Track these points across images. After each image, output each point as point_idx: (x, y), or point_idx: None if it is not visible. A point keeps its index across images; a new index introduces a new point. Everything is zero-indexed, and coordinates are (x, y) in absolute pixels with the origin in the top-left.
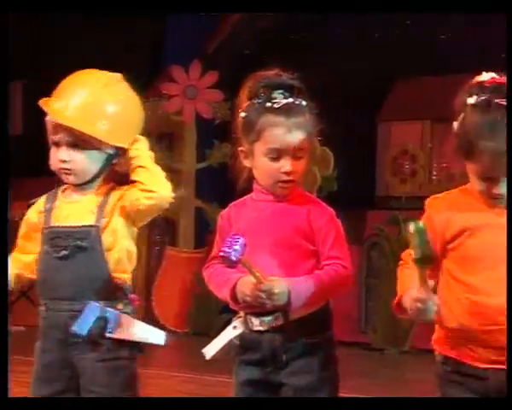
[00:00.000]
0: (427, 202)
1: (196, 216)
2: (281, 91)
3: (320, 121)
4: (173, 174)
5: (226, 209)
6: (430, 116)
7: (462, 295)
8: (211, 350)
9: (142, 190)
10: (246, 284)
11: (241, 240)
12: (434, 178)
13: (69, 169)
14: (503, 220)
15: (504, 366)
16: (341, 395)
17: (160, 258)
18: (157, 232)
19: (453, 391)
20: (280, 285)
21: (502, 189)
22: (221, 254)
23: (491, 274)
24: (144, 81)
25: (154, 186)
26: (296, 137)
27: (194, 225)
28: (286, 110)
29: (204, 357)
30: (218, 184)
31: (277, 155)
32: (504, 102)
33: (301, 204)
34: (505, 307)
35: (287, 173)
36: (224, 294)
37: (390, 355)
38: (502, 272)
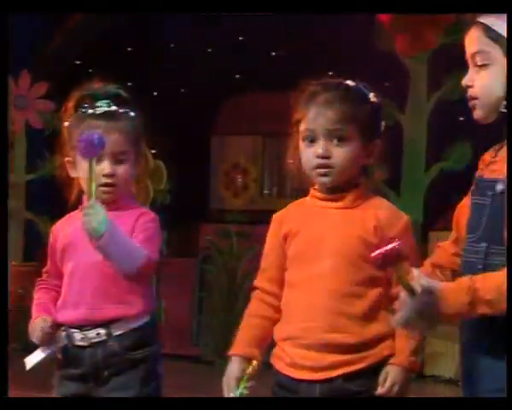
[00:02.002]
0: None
1: (27, 228)
2: (106, 101)
3: (150, 132)
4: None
5: (56, 225)
6: (261, 131)
7: (287, 296)
8: (31, 361)
9: None
10: (33, 328)
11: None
12: (266, 192)
13: None
14: (328, 220)
15: (327, 375)
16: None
17: None
18: None
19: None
20: (99, 208)
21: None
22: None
23: (307, 270)
24: None
25: None
26: (115, 140)
27: (24, 238)
28: (107, 116)
29: None
30: (50, 197)
31: (97, 158)
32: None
33: (123, 212)
34: (325, 303)
35: (106, 176)
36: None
37: (221, 368)
38: (319, 267)
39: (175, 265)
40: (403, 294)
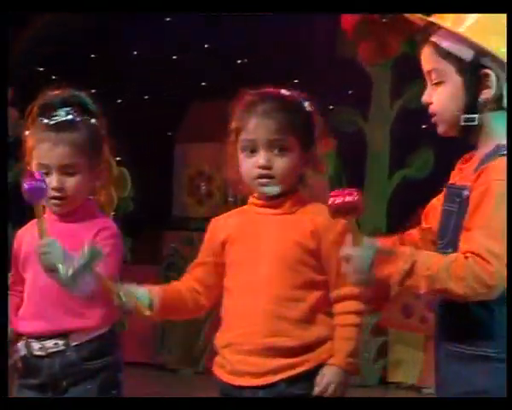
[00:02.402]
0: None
1: None
2: (66, 109)
3: (114, 139)
4: None
5: (20, 231)
6: (226, 138)
7: (225, 303)
8: None
9: None
10: None
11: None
12: (230, 199)
13: None
14: (266, 227)
15: (268, 380)
16: None
17: None
18: None
19: None
20: (54, 244)
21: None
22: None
23: (246, 276)
24: None
25: None
26: (63, 153)
27: None
28: (59, 126)
29: None
30: (13, 204)
31: (46, 170)
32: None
33: (84, 222)
34: (264, 308)
35: (54, 190)
36: None
37: (184, 376)
38: (257, 273)
39: (139, 272)
40: (349, 249)
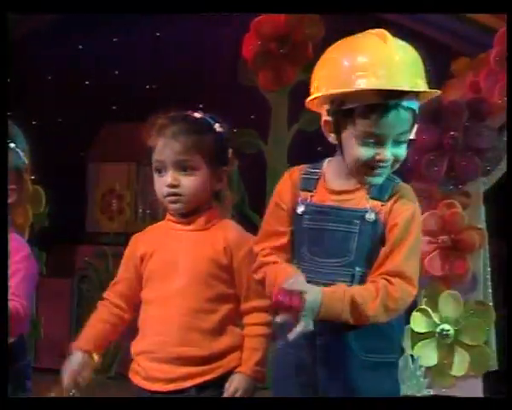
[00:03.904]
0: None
1: None
2: None
3: (30, 159)
4: None
5: None
6: (135, 158)
7: (142, 314)
8: None
9: None
10: None
11: None
12: (140, 215)
13: None
14: (181, 242)
15: (179, 386)
16: None
17: None
18: None
19: None
20: None
21: None
22: None
23: (161, 289)
24: None
25: None
26: None
27: None
28: None
29: None
30: None
31: None
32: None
33: None
34: (177, 319)
35: None
36: None
37: (98, 381)
38: (171, 286)
39: (53, 284)
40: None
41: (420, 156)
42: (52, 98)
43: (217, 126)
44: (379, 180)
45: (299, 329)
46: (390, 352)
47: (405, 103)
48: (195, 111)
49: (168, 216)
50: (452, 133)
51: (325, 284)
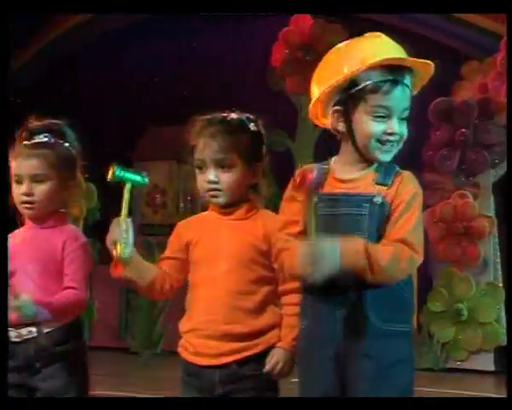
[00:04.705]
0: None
1: None
2: (44, 134)
3: (83, 159)
4: None
5: None
6: (176, 157)
7: (190, 295)
8: None
9: None
10: None
11: None
12: (181, 208)
13: None
14: (224, 231)
15: (224, 361)
16: (98, 392)
17: None
18: None
19: (184, 391)
20: (27, 304)
21: None
22: None
23: (207, 272)
24: None
25: None
26: (32, 164)
27: None
28: (34, 145)
29: None
30: None
31: (19, 180)
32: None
33: (55, 229)
34: (222, 299)
35: (24, 194)
36: None
37: (145, 357)
38: (216, 270)
39: (106, 271)
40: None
41: (434, 152)
42: (102, 104)
43: (251, 126)
44: (388, 157)
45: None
46: (404, 322)
47: (407, 80)
48: (232, 112)
49: (212, 207)
50: (463, 130)
51: None
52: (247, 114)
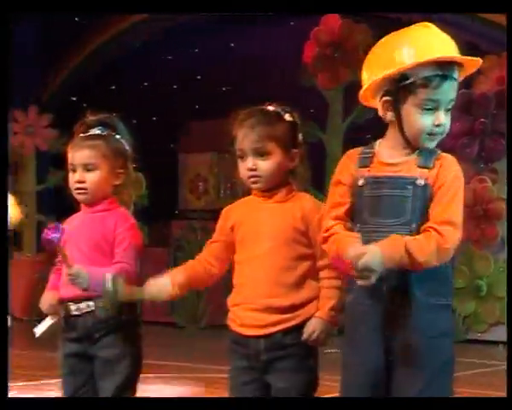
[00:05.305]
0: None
1: (37, 228)
2: (99, 127)
3: (131, 149)
4: (17, 195)
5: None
6: (217, 149)
7: (236, 272)
8: (40, 329)
9: None
10: (43, 302)
11: (61, 228)
12: (221, 195)
13: None
14: (265, 213)
15: (268, 331)
16: (149, 361)
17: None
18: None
19: (232, 359)
20: (80, 273)
21: None
22: (44, 236)
23: (251, 251)
24: None
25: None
26: (84, 154)
27: (36, 235)
28: (87, 137)
29: None
30: (55, 202)
31: (73, 168)
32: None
33: (107, 212)
34: (266, 275)
35: (77, 182)
36: None
37: (191, 331)
38: (260, 248)
39: (154, 252)
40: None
41: (455, 140)
42: (148, 100)
43: (287, 116)
44: (434, 144)
45: (361, 283)
46: (446, 296)
47: (455, 74)
48: (269, 105)
49: (254, 192)
50: (482, 120)
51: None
52: (283, 106)
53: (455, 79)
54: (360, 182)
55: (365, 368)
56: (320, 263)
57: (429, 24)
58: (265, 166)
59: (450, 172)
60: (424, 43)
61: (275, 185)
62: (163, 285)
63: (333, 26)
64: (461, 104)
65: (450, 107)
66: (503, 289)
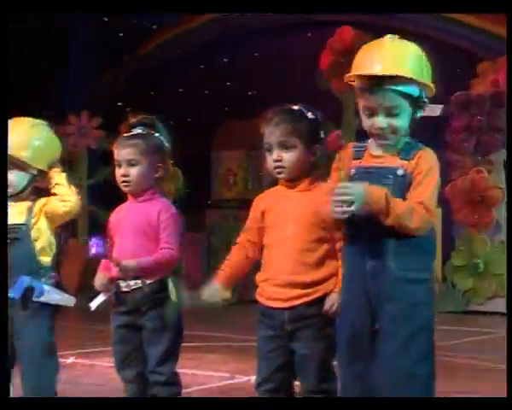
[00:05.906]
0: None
1: (89, 217)
2: (140, 127)
3: (169, 146)
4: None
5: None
6: (245, 146)
7: (264, 253)
8: (95, 304)
9: (61, 201)
10: (96, 281)
11: (96, 241)
12: (250, 187)
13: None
14: (290, 200)
15: (292, 304)
16: (193, 332)
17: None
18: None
19: (260, 329)
20: (130, 264)
21: None
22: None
23: (278, 234)
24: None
25: (69, 198)
26: (127, 151)
27: (88, 223)
28: (130, 136)
29: None
30: (103, 194)
31: (119, 164)
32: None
33: (151, 201)
34: (290, 255)
35: (122, 176)
36: None
37: (222, 309)
38: (285, 232)
39: (192, 237)
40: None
41: (455, 135)
42: (184, 105)
43: (309, 115)
44: (386, 142)
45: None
46: (423, 270)
47: (392, 85)
48: (293, 104)
49: (280, 182)
50: (478, 118)
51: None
52: (306, 105)
53: (393, 90)
54: (352, 172)
55: (353, 326)
56: (339, 245)
57: (390, 37)
58: (289, 157)
59: (427, 163)
60: (360, 57)
61: (298, 176)
62: (214, 290)
63: (346, 36)
64: (460, 104)
65: (395, 112)
66: (499, 266)
